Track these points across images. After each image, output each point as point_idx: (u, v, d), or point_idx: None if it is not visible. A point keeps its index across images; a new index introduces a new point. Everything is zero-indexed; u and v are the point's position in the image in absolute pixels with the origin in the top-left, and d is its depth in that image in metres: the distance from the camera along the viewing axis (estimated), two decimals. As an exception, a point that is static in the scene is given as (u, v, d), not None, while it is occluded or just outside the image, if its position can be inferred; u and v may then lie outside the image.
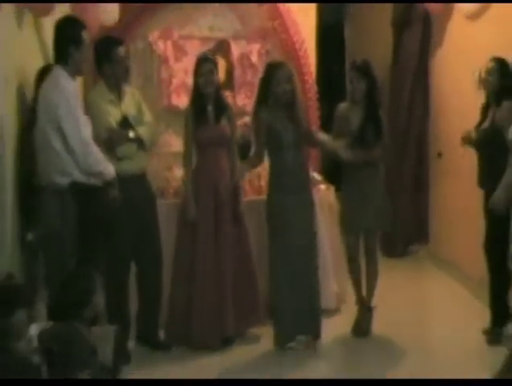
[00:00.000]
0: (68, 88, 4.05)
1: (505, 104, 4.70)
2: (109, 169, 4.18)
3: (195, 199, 4.87)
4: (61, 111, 3.98)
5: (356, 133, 4.98)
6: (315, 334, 4.89)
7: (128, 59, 4.73)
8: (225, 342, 4.91)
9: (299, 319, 4.83)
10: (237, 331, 4.99)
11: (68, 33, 4.11)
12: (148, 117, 4.85)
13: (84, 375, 3.16)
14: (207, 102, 4.93)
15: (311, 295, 4.87)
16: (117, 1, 5.80)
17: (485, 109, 4.95)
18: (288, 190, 4.81)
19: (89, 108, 4.63)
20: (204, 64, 4.89)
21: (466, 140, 4.99)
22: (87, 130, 4.11)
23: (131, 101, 4.78)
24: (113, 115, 4.65)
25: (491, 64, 4.87)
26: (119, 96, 4.73)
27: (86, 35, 4.16)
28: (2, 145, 4.03)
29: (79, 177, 4.07)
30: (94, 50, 4.67)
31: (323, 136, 5.05)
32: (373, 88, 5.00)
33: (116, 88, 4.72)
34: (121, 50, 4.66)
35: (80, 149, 4.02)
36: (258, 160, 4.96)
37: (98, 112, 4.59)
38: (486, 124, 4.86)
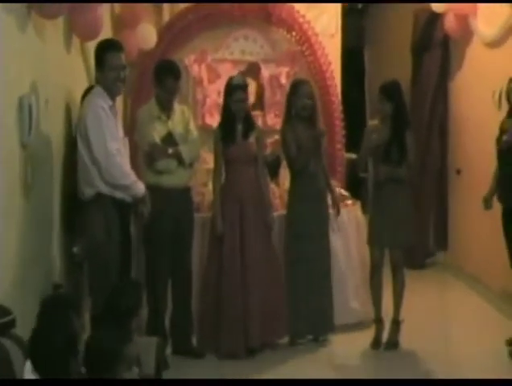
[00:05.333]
0: (101, 104, 3.99)
1: None
2: (138, 185, 4.11)
3: (222, 213, 4.79)
4: (88, 122, 3.93)
5: (381, 150, 4.87)
6: (327, 332, 5.07)
7: (177, 82, 4.64)
8: (250, 352, 4.80)
9: (311, 320, 4.96)
10: (263, 342, 4.88)
11: (105, 56, 4.05)
12: (194, 135, 4.77)
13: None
14: (237, 122, 4.84)
15: (323, 297, 5.00)
16: (111, 1, 5.70)
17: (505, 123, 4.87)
18: (307, 200, 4.91)
19: (137, 124, 4.69)
20: (236, 90, 4.76)
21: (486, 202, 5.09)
22: (114, 144, 4.00)
23: (180, 119, 4.72)
24: (158, 131, 4.61)
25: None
26: (168, 113, 4.66)
27: (123, 58, 4.09)
28: (49, 163, 3.99)
29: (104, 189, 3.99)
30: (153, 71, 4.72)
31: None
32: (399, 108, 4.86)
33: (166, 105, 4.65)
34: (171, 75, 4.59)
35: (103, 160, 3.94)
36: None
37: (143, 128, 4.63)
38: (506, 137, 4.76)
